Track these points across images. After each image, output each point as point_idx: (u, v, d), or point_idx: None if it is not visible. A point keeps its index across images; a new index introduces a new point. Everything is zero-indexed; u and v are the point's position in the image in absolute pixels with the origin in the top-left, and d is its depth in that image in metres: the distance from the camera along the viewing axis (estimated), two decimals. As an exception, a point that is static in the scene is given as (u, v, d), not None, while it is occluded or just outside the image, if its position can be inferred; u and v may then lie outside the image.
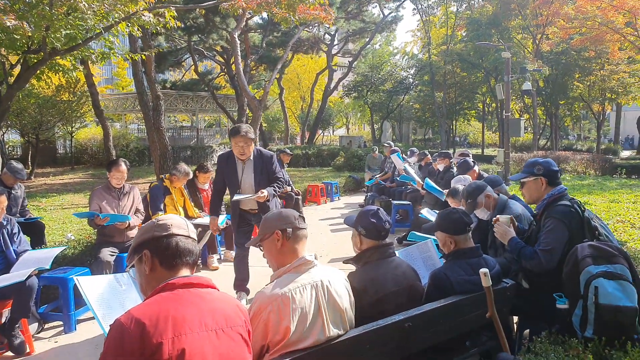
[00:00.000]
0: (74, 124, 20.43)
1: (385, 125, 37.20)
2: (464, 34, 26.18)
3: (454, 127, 33.27)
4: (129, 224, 4.74)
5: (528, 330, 2.86)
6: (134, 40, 11.54)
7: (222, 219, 5.53)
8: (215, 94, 24.49)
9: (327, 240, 7.14)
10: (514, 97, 28.91)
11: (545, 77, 22.09)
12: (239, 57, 12.92)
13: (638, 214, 7.77)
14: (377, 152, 11.75)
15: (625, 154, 30.83)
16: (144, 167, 20.89)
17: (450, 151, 6.52)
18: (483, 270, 2.12)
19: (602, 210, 8.13)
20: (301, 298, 1.87)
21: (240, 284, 4.43)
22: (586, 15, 20.04)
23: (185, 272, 1.68)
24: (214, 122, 39.98)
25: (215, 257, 5.73)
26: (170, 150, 11.57)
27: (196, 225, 5.46)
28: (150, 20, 6.57)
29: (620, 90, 25.06)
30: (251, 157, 4.23)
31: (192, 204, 5.73)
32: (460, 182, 4.73)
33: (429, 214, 4.91)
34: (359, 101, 32.76)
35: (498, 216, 3.06)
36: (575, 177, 15.07)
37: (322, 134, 46.25)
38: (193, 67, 23.74)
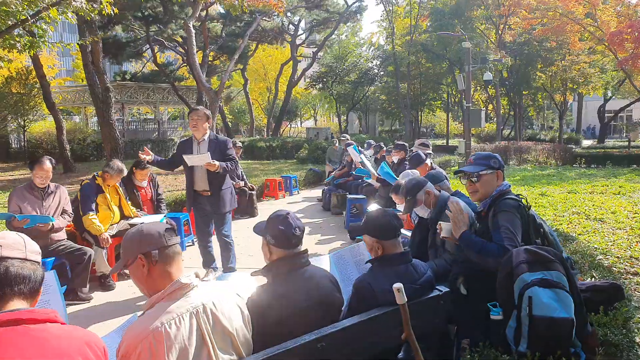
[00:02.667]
0: (26, 117, 19.46)
1: (351, 117, 37.04)
2: (428, 24, 26.13)
3: (419, 118, 33.40)
4: (53, 225, 4.40)
5: (468, 340, 2.64)
6: (83, 29, 10.89)
7: (162, 218, 5.19)
8: (176, 85, 23.72)
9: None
10: (478, 87, 29.23)
11: (508, 67, 22.31)
12: (194, 47, 12.39)
13: (593, 205, 7.77)
14: (337, 144, 11.50)
15: (587, 143, 31.62)
16: (102, 161, 20.06)
17: (416, 142, 6.28)
18: (396, 285, 1.86)
19: (559, 202, 8.12)
20: (177, 331, 1.56)
21: (207, 264, 4.78)
22: (547, 6, 20.28)
23: (18, 304, 1.34)
24: (178, 115, 38.89)
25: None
26: (122, 144, 11.01)
27: (133, 225, 5.08)
28: (83, 7, 6.07)
29: (580, 81, 25.56)
30: (206, 138, 4.48)
31: (129, 202, 5.32)
32: (408, 177, 4.49)
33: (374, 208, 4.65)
34: (324, 92, 32.42)
35: (440, 222, 2.84)
36: (536, 167, 15.25)
37: (289, 126, 45.85)
38: (154, 58, 22.91)
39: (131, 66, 38.20)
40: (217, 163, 4.29)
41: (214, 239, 4.82)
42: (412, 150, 6.41)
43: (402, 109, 26.34)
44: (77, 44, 8.57)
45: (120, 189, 5.14)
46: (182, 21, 17.26)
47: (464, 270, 2.59)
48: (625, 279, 4.32)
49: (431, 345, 2.44)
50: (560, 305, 1.97)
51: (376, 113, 35.17)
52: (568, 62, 24.14)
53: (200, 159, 4.31)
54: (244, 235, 6.90)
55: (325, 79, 29.34)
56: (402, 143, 7.12)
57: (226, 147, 4.54)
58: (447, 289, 2.42)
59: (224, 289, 1.81)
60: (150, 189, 5.63)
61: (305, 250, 2.21)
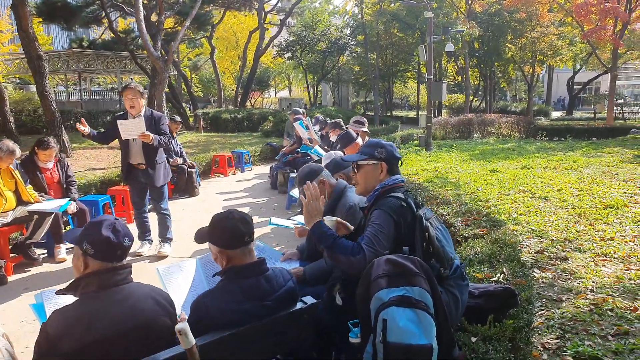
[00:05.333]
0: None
1: (325, 88, 36.29)
2: (398, -8, 25.33)
3: (390, 90, 32.88)
4: None
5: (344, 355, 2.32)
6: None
7: (64, 204, 4.74)
8: (137, 54, 22.55)
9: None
10: (451, 59, 28.81)
11: (475, 38, 21.87)
12: (140, 11, 11.57)
13: (542, 182, 7.59)
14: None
15: (556, 114, 31.82)
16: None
17: (352, 119, 5.84)
18: (179, 327, 1.48)
19: (509, 179, 7.91)
20: None
21: (142, 236, 5.01)
22: (517, -25, 19.78)
23: None
24: (146, 85, 37.45)
25: (64, 247, 4.90)
26: (59, 117, 10.29)
27: (32, 212, 4.62)
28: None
29: (549, 53, 25.39)
30: (142, 114, 4.53)
31: (31, 186, 4.82)
32: (330, 159, 4.11)
33: (297, 194, 4.27)
34: (294, 62, 31.47)
35: (325, 218, 2.48)
36: (499, 141, 15.10)
37: (262, 97, 44.71)
38: (109, 24, 21.58)
39: (94, 33, 36.32)
40: (151, 135, 4.40)
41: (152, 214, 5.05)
42: (346, 128, 6.02)
43: (372, 79, 25.75)
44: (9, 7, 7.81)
45: (17, 172, 4.62)
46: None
47: (342, 277, 2.25)
48: (554, 264, 4.12)
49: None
50: (419, 329, 1.65)
51: (349, 84, 34.43)
52: (537, 34, 23.87)
53: (134, 125, 4.40)
54: (177, 217, 6.48)
55: (294, 48, 28.37)
56: (336, 121, 6.70)
57: (160, 123, 4.67)
58: (315, 301, 2.08)
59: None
60: (58, 170, 5.12)
61: (127, 265, 1.82)
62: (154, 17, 17.86)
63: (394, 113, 34.84)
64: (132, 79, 32.17)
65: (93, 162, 11.65)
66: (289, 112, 13.43)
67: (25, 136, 16.38)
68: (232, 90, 37.00)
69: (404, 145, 14.56)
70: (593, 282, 3.67)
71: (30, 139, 16.81)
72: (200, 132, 21.38)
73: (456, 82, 35.08)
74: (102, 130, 4.93)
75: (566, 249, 4.50)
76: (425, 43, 20.47)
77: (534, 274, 3.89)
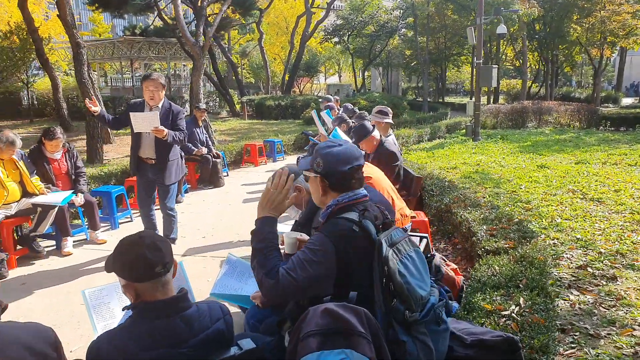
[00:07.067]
0: (26, 73, 19.19)
1: (374, 73, 35.37)
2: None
3: (443, 75, 31.42)
4: None
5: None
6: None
7: (67, 196, 4.60)
8: (184, 40, 22.72)
9: (225, 215, 6.11)
10: (509, 42, 27.01)
11: (535, 18, 20.23)
12: (178, -3, 11.44)
13: (597, 181, 6.73)
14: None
15: (628, 101, 29.14)
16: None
17: (374, 110, 5.30)
18: None
19: (558, 176, 7.10)
20: None
21: None
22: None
23: None
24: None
25: (70, 240, 4.79)
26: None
27: (36, 205, 4.51)
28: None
29: (621, 33, 23.13)
30: (159, 105, 4.28)
31: (38, 177, 4.72)
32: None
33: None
34: (340, 47, 30.72)
35: (283, 234, 2.09)
36: (555, 131, 13.91)
37: (311, 83, 44.28)
38: (168, 10, 21.93)
39: (149, 20, 37.23)
40: (165, 130, 4.11)
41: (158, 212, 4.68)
42: (366, 119, 5.49)
43: (422, 64, 24.63)
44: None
45: (21, 162, 4.52)
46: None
47: (294, 312, 1.81)
48: (597, 284, 3.47)
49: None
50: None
51: (399, 69, 33.29)
52: (608, 13, 21.78)
53: (147, 119, 4.12)
54: (199, 210, 6.28)
55: (341, 32, 27.65)
56: (341, 115, 6.13)
57: (178, 118, 4.36)
58: (253, 346, 1.68)
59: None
60: (66, 161, 4.99)
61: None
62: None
63: (447, 99, 33.40)
64: (184, 65, 32.88)
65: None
66: (320, 99, 12.98)
67: (78, 121, 17.05)
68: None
69: (450, 135, 13.73)
70: (644, 312, 3.02)
71: (83, 125, 17.50)
72: (245, 119, 21.39)
73: (515, 66, 32.99)
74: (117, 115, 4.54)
75: (616, 265, 3.82)
76: (484, 26, 19.26)
77: (570, 296, 3.29)
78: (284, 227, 3.37)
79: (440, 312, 1.65)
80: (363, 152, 3.75)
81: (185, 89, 28.01)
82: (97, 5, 21.66)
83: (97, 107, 4.25)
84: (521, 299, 2.39)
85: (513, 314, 2.25)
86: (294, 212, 2.54)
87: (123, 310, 1.60)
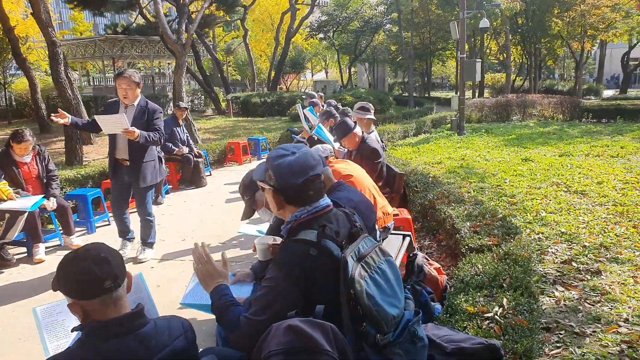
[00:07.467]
0: (3, 74, 18.79)
1: (360, 69, 35.28)
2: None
3: (428, 70, 31.43)
4: None
5: None
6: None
7: (37, 201, 4.42)
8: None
9: (207, 216, 5.97)
10: (492, 36, 27.11)
11: (517, 12, 20.29)
12: (158, -6, 11.20)
13: (580, 173, 6.73)
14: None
15: (608, 93, 29.44)
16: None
17: (355, 106, 5.15)
18: None
19: (543, 169, 7.08)
20: None
21: (122, 235, 4.62)
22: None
23: None
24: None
25: (42, 246, 4.61)
26: (75, 105, 10.12)
27: (3, 211, 4.33)
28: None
29: (601, 27, 23.32)
30: (135, 104, 4.15)
31: (6, 182, 4.53)
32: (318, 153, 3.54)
33: (248, 229, 3.27)
34: (325, 43, 30.58)
35: (255, 241, 1.98)
36: (539, 124, 13.96)
37: (298, 79, 44.04)
38: (150, 8, 21.53)
39: (132, 18, 36.65)
40: (136, 131, 3.93)
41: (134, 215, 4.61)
42: (349, 115, 5.40)
43: (407, 59, 24.58)
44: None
45: (-11, 166, 4.34)
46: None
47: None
48: (582, 279, 3.42)
49: None
50: None
51: (385, 65, 33.23)
52: (588, 7, 21.94)
53: (115, 121, 3.96)
54: (180, 212, 6.12)
55: (326, 28, 27.49)
56: (328, 110, 6.02)
57: (154, 117, 4.20)
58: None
59: None
60: (36, 164, 4.80)
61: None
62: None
63: (433, 94, 33.45)
64: (169, 63, 32.42)
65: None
66: (303, 96, 12.84)
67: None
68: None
69: (435, 130, 13.70)
70: (629, 307, 2.97)
71: (62, 125, 17.19)
72: (230, 116, 21.16)
73: (499, 60, 33.15)
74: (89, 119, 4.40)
75: (600, 259, 3.78)
76: (468, 20, 19.30)
77: (555, 292, 3.23)
78: (258, 228, 3.26)
79: (416, 330, 1.53)
80: (328, 154, 3.64)
81: (170, 88, 27.60)
82: (76, 3, 21.26)
83: (65, 118, 4.07)
84: (504, 300, 2.31)
85: (496, 316, 2.17)
86: (268, 215, 2.42)
87: (72, 331, 1.47)
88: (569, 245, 4.13)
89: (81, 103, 10.85)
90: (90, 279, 1.39)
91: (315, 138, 5.51)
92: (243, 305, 1.68)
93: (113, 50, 25.35)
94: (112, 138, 4.27)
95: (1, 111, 20.67)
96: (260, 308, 1.52)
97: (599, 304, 3.03)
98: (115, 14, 26.40)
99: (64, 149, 9.76)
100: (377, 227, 2.57)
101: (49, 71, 10.47)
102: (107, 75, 30.13)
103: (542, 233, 4.42)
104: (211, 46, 27.54)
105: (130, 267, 4.37)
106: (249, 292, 2.29)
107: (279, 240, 2.09)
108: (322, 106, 7.90)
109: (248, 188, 2.35)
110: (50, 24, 9.73)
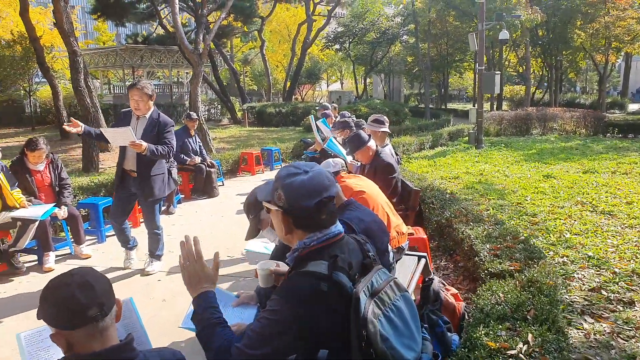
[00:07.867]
0: (28, 82, 19.18)
1: (376, 80, 35.19)
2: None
3: (445, 81, 31.18)
4: None
5: None
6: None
7: (48, 210, 4.37)
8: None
9: (217, 228, 5.85)
10: (512, 47, 26.78)
11: (538, 24, 19.97)
12: (176, 4, 11.28)
13: (607, 192, 6.44)
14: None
15: (634, 107, 28.74)
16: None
17: (370, 118, 4.98)
18: None
19: (565, 187, 6.81)
20: None
21: (124, 244, 4.54)
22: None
23: None
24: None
25: (53, 255, 4.55)
26: (94, 113, 10.19)
27: (15, 219, 4.28)
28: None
29: (626, 39, 22.86)
30: (147, 115, 4.13)
31: (19, 189, 4.49)
32: (330, 168, 3.40)
33: (255, 246, 3.18)
34: (341, 54, 30.57)
35: (257, 266, 1.85)
36: (560, 138, 13.61)
37: (313, 90, 44.11)
38: (170, 19, 21.78)
39: (149, 28, 37.24)
40: (144, 144, 3.88)
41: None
42: (363, 128, 5.25)
43: (423, 70, 24.39)
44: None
45: (1, 174, 4.29)
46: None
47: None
48: (613, 309, 3.19)
49: None
50: None
51: (401, 76, 33.10)
52: (612, 18, 21.54)
53: (121, 134, 3.89)
54: (190, 222, 6.03)
55: (342, 39, 27.50)
56: (345, 120, 5.88)
57: (165, 131, 4.16)
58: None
59: None
60: (49, 172, 4.76)
61: None
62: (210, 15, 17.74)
63: (450, 105, 33.15)
64: (187, 72, 32.77)
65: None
66: (317, 107, 12.75)
67: (76, 130, 16.94)
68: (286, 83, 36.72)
69: (452, 142, 13.46)
70: (666, 343, 2.73)
71: (80, 133, 17.43)
72: (245, 126, 21.22)
73: (518, 72, 32.73)
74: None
75: (633, 288, 3.53)
76: (487, 32, 19.10)
77: (584, 324, 3.00)
78: (266, 244, 3.12)
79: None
80: (339, 169, 3.44)
81: (187, 97, 27.88)
82: (99, 14, 21.67)
83: (78, 127, 3.96)
84: (530, 335, 2.12)
85: (521, 354, 1.98)
86: (273, 236, 2.27)
87: (60, 361, 1.34)
88: (597, 270, 3.89)
89: (99, 111, 10.96)
90: (73, 307, 1.26)
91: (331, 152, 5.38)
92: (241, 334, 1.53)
93: (133, 59, 25.74)
94: (123, 148, 4.20)
95: (26, 118, 21.11)
96: (256, 341, 1.36)
97: (634, 339, 2.79)
98: (137, 24, 26.96)
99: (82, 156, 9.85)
100: (390, 247, 2.40)
101: (73, 79, 10.67)
102: (126, 83, 30.62)
103: (567, 256, 4.18)
104: (229, 56, 27.81)
105: (137, 280, 4.31)
106: (251, 317, 2.14)
107: (283, 267, 1.95)
108: (336, 117, 7.79)
109: (253, 206, 2.22)
110: (72, 34, 9.85)
